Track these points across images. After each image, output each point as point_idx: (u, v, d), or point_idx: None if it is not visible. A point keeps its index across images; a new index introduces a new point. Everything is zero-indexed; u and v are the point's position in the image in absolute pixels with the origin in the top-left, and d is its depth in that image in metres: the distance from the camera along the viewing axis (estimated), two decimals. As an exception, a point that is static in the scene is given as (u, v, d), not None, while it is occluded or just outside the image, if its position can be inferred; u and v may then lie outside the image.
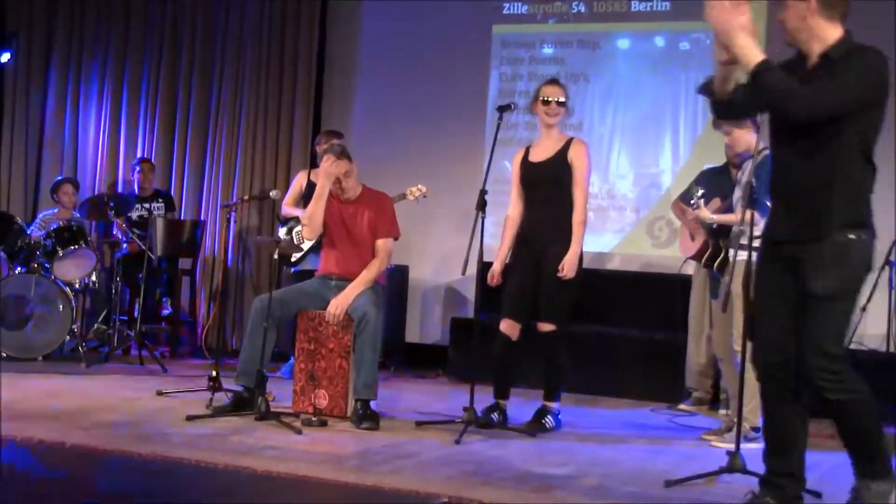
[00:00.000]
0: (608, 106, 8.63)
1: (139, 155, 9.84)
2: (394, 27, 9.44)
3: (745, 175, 5.47)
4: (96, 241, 9.13)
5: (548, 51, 8.97)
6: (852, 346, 7.28)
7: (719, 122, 6.17)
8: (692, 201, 6.19)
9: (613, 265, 8.52)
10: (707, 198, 7.36)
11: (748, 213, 5.14)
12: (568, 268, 5.89)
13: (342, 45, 9.62)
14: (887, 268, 7.28)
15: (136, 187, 9.35)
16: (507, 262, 6.20)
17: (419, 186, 7.71)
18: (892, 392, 7.12)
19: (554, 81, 6.24)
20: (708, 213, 6.13)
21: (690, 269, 7.43)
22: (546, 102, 6.06)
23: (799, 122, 3.96)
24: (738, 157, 6.85)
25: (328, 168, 6.17)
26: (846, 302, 4.03)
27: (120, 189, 9.75)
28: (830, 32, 4.00)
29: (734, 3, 3.90)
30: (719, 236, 6.24)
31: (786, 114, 3.97)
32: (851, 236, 4.00)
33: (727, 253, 6.01)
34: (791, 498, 4.22)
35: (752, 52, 3.92)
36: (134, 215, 9.01)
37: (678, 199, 7.46)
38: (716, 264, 6.25)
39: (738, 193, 5.89)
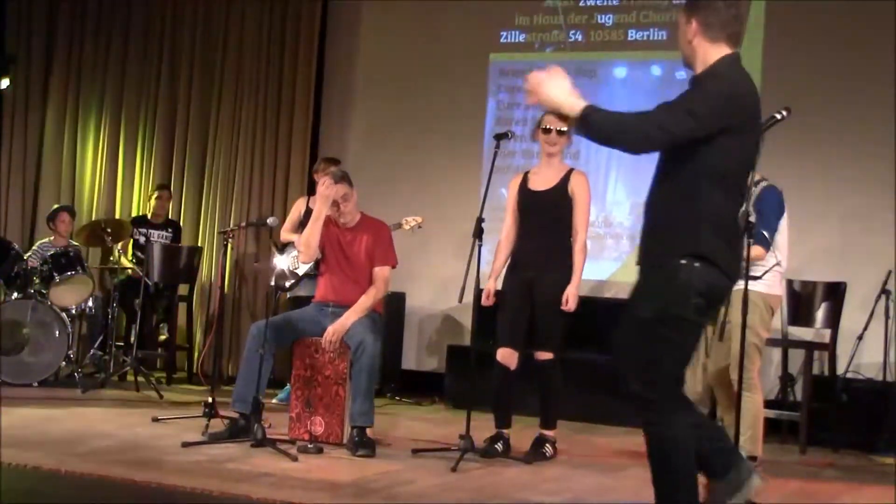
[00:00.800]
0: (605, 134, 8.63)
1: (141, 182, 9.88)
2: (392, 54, 9.49)
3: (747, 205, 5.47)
4: (95, 266, 9.13)
5: (545, 79, 8.98)
6: (849, 376, 7.31)
7: None
8: None
9: (610, 293, 8.52)
10: None
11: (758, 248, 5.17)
12: (571, 300, 5.91)
13: (340, 71, 9.66)
14: (883, 297, 7.28)
15: (150, 213, 9.38)
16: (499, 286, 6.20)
17: (415, 217, 7.74)
18: (888, 421, 7.13)
19: None
20: None
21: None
22: (546, 131, 6.08)
23: (636, 153, 3.88)
24: None
25: (324, 191, 6.18)
26: (666, 327, 3.77)
27: (133, 213, 9.77)
28: (713, 54, 3.82)
29: (548, 74, 3.85)
30: None
31: (622, 149, 3.85)
32: (682, 262, 3.69)
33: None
34: None
35: (576, 105, 3.78)
36: (141, 239, 9.02)
37: None
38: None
39: None
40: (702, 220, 3.71)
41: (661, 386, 3.80)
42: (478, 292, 5.95)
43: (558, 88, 3.83)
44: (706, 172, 3.71)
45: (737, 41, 3.84)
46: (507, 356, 6.01)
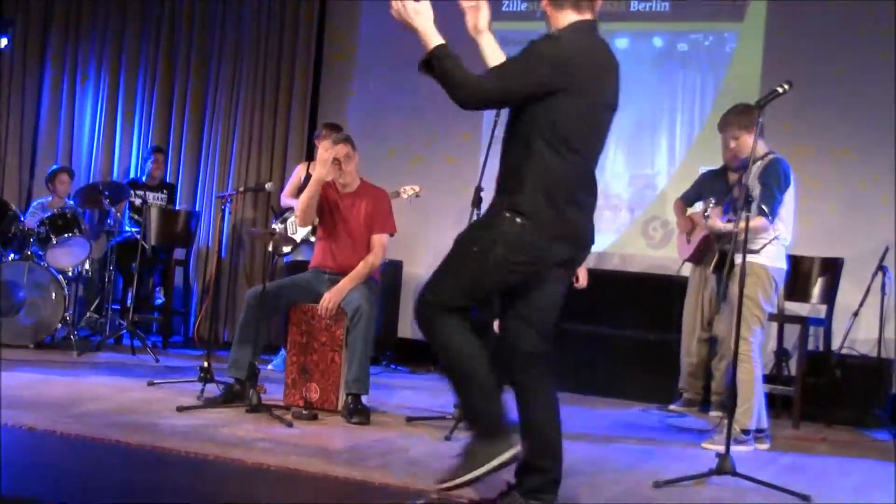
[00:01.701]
0: (605, 105, 8.59)
1: (139, 144, 9.87)
2: (391, 23, 9.40)
3: (749, 179, 5.47)
4: (91, 228, 9.12)
5: (546, 49, 8.95)
6: (844, 351, 7.32)
7: (726, 126, 6.12)
8: (705, 212, 6.16)
9: (607, 265, 8.52)
10: (704, 199, 7.39)
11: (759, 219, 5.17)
12: (583, 277, 5.93)
13: (340, 39, 9.62)
14: (880, 273, 7.28)
15: (145, 175, 9.37)
16: None
17: (413, 186, 7.73)
18: (882, 397, 7.16)
19: None
20: (720, 223, 6.07)
21: (687, 270, 7.45)
22: None
23: (466, 108, 3.96)
24: (735, 160, 6.88)
25: (324, 154, 6.16)
26: (462, 257, 3.97)
27: (130, 175, 9.74)
28: (560, 20, 4.00)
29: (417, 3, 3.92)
30: (723, 240, 6.25)
31: (455, 102, 3.90)
32: (507, 214, 3.85)
33: (731, 256, 6.01)
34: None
35: (430, 38, 3.90)
36: (137, 202, 9.01)
37: (680, 198, 7.47)
38: (724, 271, 6.23)
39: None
40: (528, 179, 3.86)
41: (441, 296, 4.02)
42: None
43: (424, 17, 3.95)
44: (539, 132, 3.85)
45: (582, 8, 4.06)
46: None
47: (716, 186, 7.06)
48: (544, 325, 4.18)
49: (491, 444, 3.87)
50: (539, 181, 3.87)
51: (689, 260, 7.37)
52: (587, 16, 4.07)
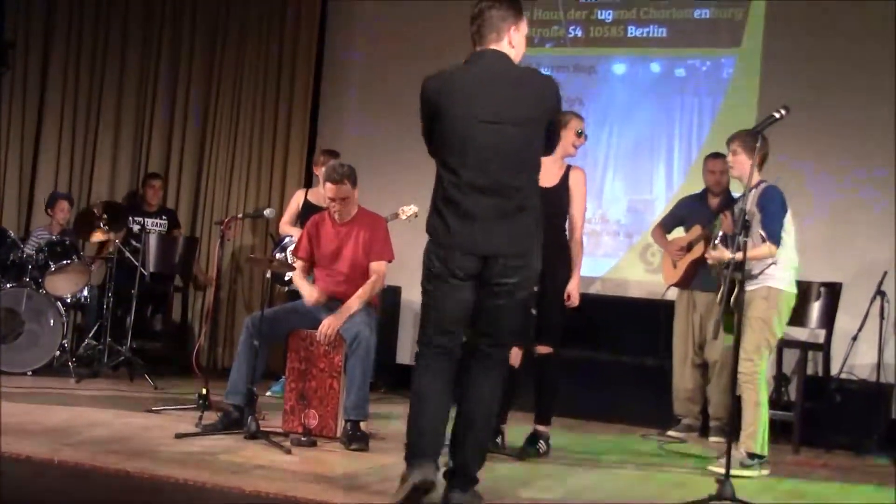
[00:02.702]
0: (603, 131, 8.61)
1: (138, 170, 9.89)
2: (390, 45, 9.47)
3: (747, 204, 5.48)
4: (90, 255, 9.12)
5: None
6: (843, 376, 7.31)
7: (734, 139, 6.02)
8: (713, 242, 6.15)
9: (605, 290, 8.52)
10: (687, 226, 7.42)
11: (741, 241, 5.16)
12: (574, 296, 5.94)
13: (339, 63, 9.65)
14: (878, 298, 7.28)
15: (143, 202, 9.38)
16: None
17: (411, 206, 7.73)
18: (881, 421, 7.15)
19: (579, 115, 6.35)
20: (727, 253, 6.06)
21: (673, 294, 7.46)
22: (580, 135, 6.14)
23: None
24: (718, 185, 6.97)
25: (309, 300, 6.23)
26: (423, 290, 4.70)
27: (129, 202, 9.76)
28: None
29: None
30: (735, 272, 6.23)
31: None
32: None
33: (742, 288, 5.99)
34: None
35: None
36: (135, 228, 9.01)
37: (659, 225, 7.52)
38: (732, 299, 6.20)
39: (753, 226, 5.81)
40: (432, 202, 4.56)
41: (423, 335, 4.65)
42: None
43: None
44: (436, 158, 4.56)
45: (477, 41, 4.59)
46: (511, 353, 5.95)
47: (697, 212, 7.08)
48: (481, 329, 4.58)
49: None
50: (434, 201, 4.54)
51: (675, 285, 7.39)
52: (482, 47, 4.58)
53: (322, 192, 6.55)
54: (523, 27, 4.57)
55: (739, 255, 5.51)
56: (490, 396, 4.49)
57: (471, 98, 4.38)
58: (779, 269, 5.82)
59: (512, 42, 4.53)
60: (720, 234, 6.16)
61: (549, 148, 4.69)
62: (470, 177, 4.38)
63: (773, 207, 5.76)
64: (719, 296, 6.27)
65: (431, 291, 4.57)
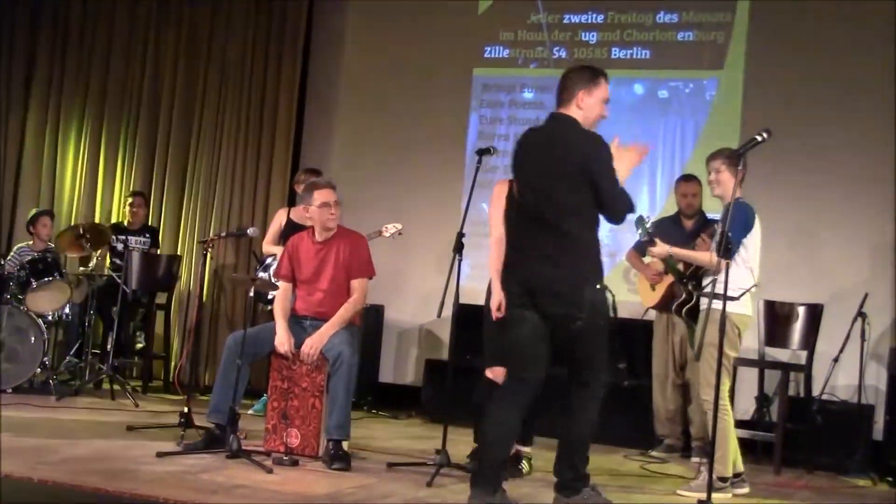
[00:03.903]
0: (586, 151, 8.62)
1: (121, 188, 9.88)
2: (375, 67, 9.50)
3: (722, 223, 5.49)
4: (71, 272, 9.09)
5: (528, 95, 9.05)
6: (824, 397, 7.33)
7: (716, 157, 5.98)
8: (645, 239, 6.09)
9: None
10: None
11: (723, 263, 5.17)
12: None
13: (323, 83, 9.67)
14: (859, 320, 7.30)
15: (125, 220, 9.37)
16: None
17: (395, 224, 7.73)
18: (862, 442, 7.16)
19: None
20: (665, 248, 6.05)
21: (653, 315, 7.49)
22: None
23: None
24: (690, 208, 7.03)
25: (281, 349, 6.15)
26: None
27: (112, 220, 9.74)
28: None
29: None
30: (689, 283, 6.27)
31: None
32: None
33: (697, 300, 6.02)
34: None
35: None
36: (119, 246, 8.99)
37: (633, 248, 7.55)
38: (684, 310, 6.24)
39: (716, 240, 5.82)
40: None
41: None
42: (457, 307, 5.94)
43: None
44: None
45: (559, 103, 4.94)
46: (499, 373, 5.90)
47: (671, 235, 7.10)
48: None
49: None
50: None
51: (654, 308, 7.43)
52: (557, 110, 4.96)
53: (302, 212, 6.54)
54: (597, 92, 4.84)
55: (679, 251, 6.04)
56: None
57: (521, 164, 5.00)
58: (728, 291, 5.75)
59: (580, 104, 4.85)
60: (650, 228, 6.08)
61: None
62: (533, 217, 4.93)
63: (735, 223, 5.63)
64: (678, 309, 6.32)
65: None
